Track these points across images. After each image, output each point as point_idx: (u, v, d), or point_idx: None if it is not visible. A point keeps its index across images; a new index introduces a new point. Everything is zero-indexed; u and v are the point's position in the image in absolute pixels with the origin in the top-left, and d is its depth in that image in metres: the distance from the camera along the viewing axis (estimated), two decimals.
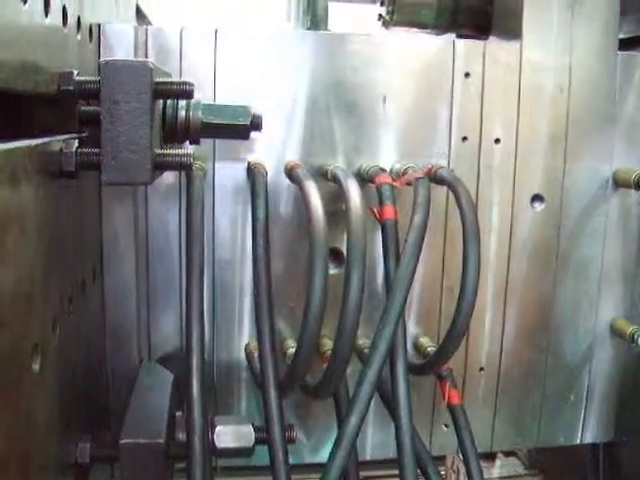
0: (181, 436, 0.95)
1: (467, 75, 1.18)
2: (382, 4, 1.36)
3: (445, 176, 1.07)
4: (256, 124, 0.91)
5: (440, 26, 1.35)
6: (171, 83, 0.78)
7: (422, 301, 1.24)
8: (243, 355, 1.20)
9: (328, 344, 1.13)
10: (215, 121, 0.89)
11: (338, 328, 0.92)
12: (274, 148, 1.14)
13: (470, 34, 1.33)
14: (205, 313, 0.95)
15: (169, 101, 0.89)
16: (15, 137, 0.65)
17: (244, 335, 1.20)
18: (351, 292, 0.91)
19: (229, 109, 0.91)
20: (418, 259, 0.99)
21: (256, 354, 1.13)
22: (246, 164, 1.13)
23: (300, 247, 1.17)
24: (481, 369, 1.29)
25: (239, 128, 0.90)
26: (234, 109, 0.91)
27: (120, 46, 1.05)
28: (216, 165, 1.13)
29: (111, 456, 0.89)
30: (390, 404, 1.08)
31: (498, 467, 1.96)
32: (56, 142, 0.75)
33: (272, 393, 0.99)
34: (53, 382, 0.74)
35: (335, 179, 1.06)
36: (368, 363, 0.96)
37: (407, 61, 1.17)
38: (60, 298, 0.78)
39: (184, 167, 0.80)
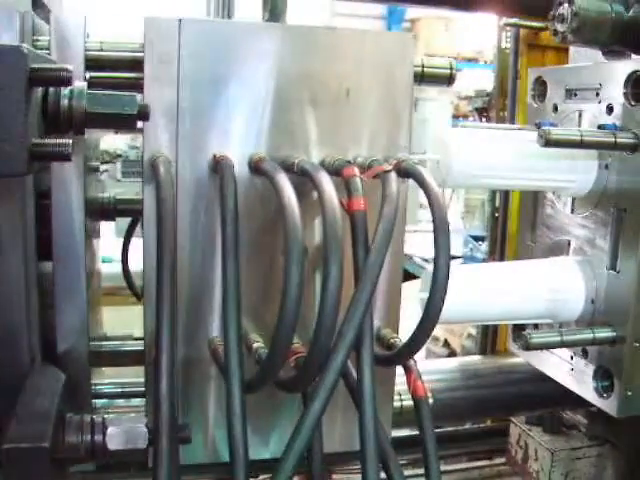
0: (73, 438, 0.92)
1: None
2: (555, 19, 1.31)
3: (411, 169, 1.08)
4: (143, 113, 0.88)
5: (607, 43, 1.33)
6: (48, 70, 0.75)
7: (383, 292, 1.23)
8: (206, 350, 1.17)
9: (295, 338, 1.08)
10: (100, 110, 0.86)
11: (317, 320, 0.93)
12: (236, 141, 1.12)
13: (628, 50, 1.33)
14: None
15: (52, 89, 0.86)
16: None
17: (207, 329, 1.18)
18: (330, 285, 0.91)
19: (115, 98, 0.88)
20: (387, 249, 0.99)
21: (221, 349, 1.10)
22: (211, 156, 1.10)
23: (262, 241, 1.16)
24: None
25: (125, 118, 0.88)
26: (120, 98, 0.88)
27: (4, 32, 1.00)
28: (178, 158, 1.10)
29: None
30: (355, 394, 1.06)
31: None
32: None
33: (236, 389, 0.98)
34: None
35: (303, 172, 1.04)
36: (334, 350, 0.94)
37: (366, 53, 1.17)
38: None
39: (63, 157, 0.77)
